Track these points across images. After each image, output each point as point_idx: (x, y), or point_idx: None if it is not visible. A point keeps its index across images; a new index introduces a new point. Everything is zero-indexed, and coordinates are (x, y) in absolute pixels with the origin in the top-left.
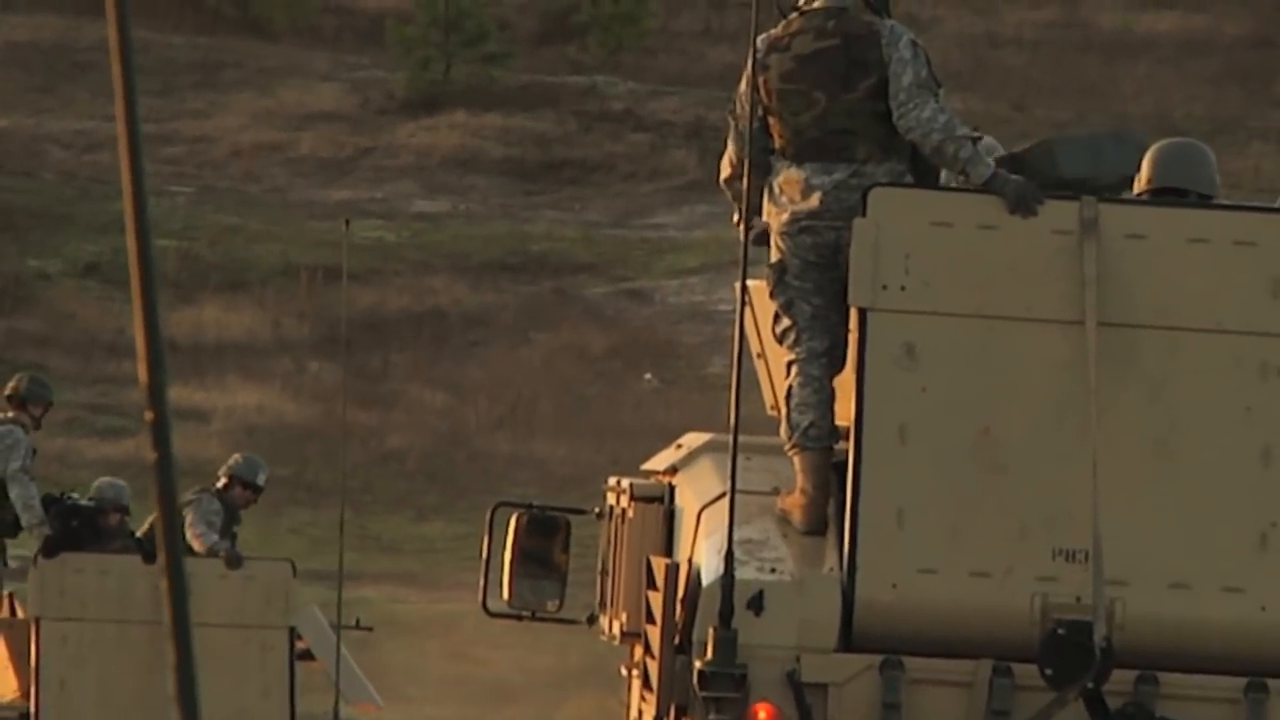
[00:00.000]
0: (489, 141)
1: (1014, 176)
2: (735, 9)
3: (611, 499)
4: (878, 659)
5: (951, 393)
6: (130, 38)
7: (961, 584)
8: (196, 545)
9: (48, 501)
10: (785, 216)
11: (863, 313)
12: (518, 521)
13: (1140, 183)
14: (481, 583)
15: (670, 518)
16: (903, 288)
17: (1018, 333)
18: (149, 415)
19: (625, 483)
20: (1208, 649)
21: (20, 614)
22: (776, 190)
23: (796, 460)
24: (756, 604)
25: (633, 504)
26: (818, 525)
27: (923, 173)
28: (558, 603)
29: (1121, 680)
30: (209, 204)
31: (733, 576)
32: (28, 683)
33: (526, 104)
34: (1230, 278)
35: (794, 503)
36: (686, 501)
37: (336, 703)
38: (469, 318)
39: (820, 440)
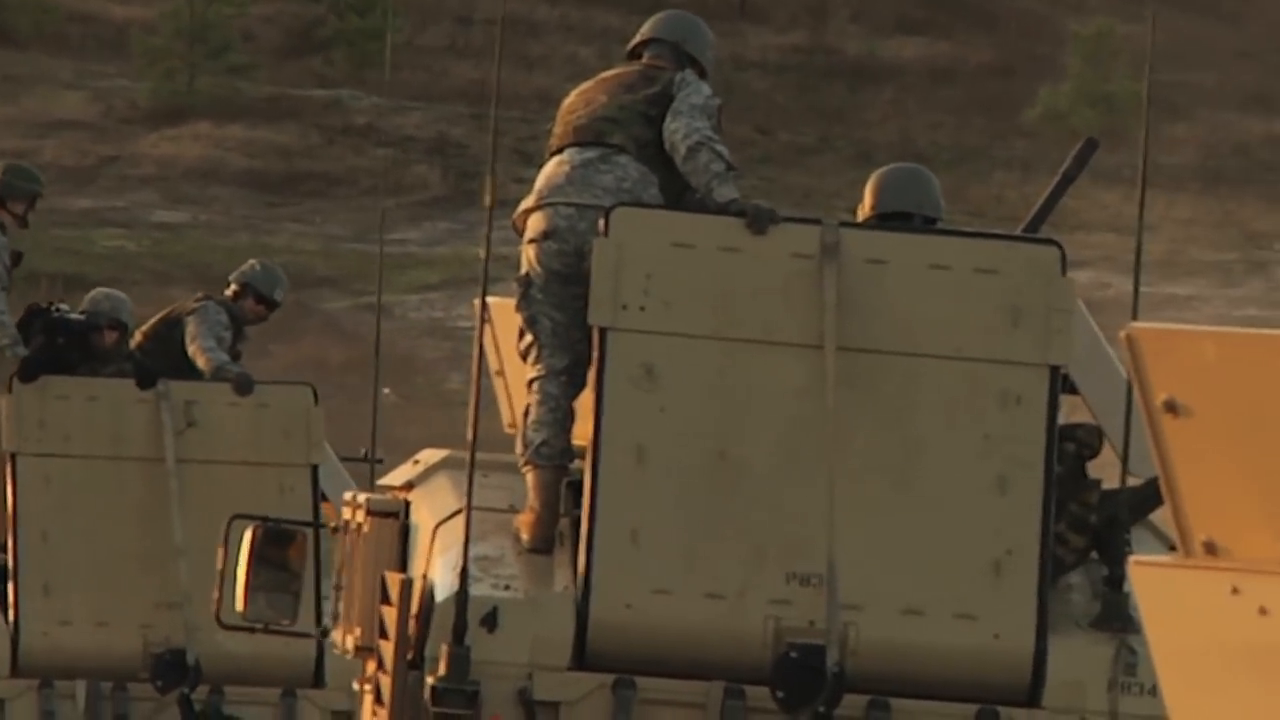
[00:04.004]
0: (232, 153)
1: (756, 201)
2: (481, 25)
3: (347, 513)
4: (610, 678)
5: (690, 414)
6: None
7: (695, 605)
8: (200, 362)
9: (32, 314)
10: (531, 203)
11: (603, 332)
12: (254, 534)
13: (864, 209)
14: (216, 595)
15: (406, 533)
16: (643, 308)
17: (757, 355)
18: None
19: (361, 497)
20: (940, 675)
21: None
22: (533, 189)
23: (529, 477)
24: (490, 621)
25: (368, 519)
26: (544, 543)
27: (675, 195)
28: (292, 616)
29: (853, 705)
30: None
31: (467, 593)
32: (2, 531)
33: (270, 116)
34: (971, 305)
35: (524, 520)
36: (422, 517)
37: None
38: None
39: (552, 458)
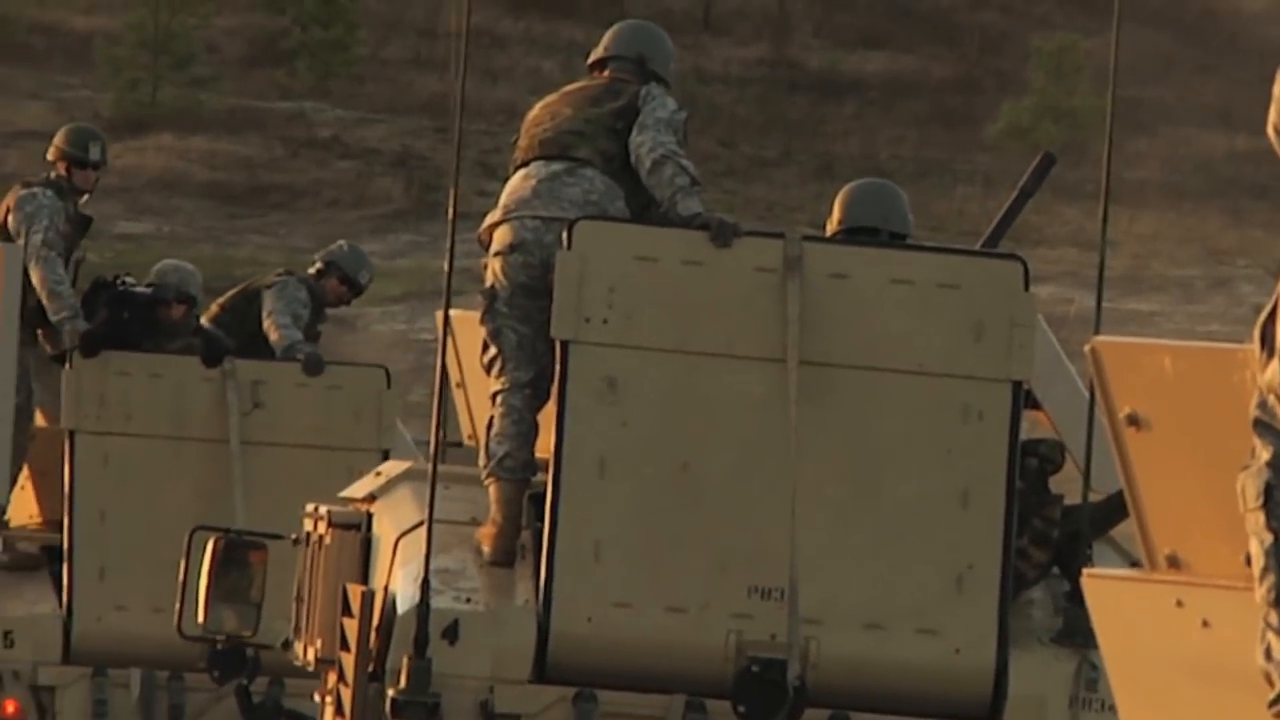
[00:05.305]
0: (195, 164)
1: (720, 214)
2: (444, 39)
3: (309, 525)
4: (571, 691)
5: (652, 427)
6: None
7: (657, 619)
8: (274, 337)
9: (98, 287)
10: (497, 217)
11: (565, 345)
12: (215, 546)
13: (832, 223)
14: (178, 606)
15: (367, 545)
16: (605, 321)
17: (719, 369)
18: None
19: (323, 509)
20: (901, 690)
21: (42, 421)
22: (499, 203)
23: (491, 490)
24: (451, 633)
25: (330, 530)
26: (505, 556)
27: (640, 208)
28: (253, 627)
29: (814, 719)
30: None
31: (428, 605)
32: (53, 509)
33: (233, 128)
34: (932, 320)
35: (485, 533)
36: (384, 529)
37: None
38: None
39: (515, 471)
